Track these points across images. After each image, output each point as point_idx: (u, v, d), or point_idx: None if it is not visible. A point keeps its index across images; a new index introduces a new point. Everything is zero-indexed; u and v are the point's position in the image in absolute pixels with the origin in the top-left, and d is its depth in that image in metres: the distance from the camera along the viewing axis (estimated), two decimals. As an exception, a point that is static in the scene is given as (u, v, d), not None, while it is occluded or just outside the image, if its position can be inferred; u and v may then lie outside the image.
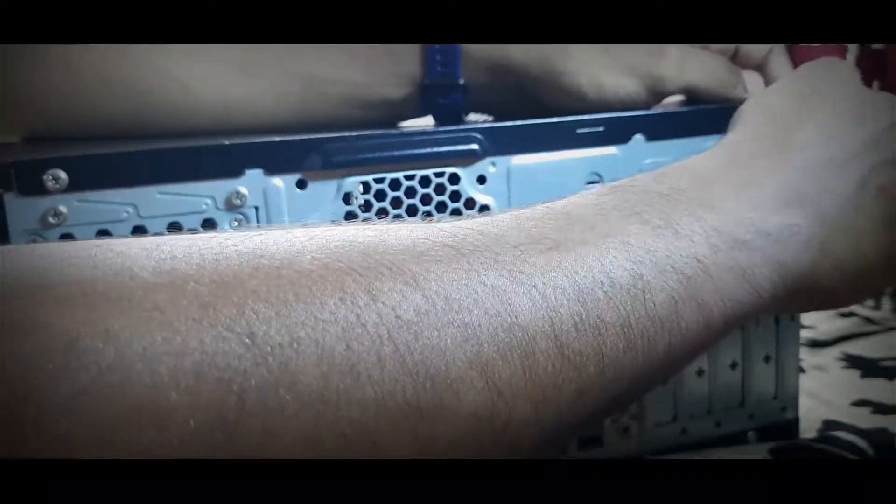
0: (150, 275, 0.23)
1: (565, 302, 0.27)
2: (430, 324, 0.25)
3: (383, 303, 0.25)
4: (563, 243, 0.29)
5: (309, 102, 0.44)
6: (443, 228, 0.29)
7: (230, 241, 0.26)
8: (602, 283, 0.28)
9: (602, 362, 0.28)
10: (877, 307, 0.78)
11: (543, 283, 0.27)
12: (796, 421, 0.50)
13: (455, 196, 0.40)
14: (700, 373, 0.47)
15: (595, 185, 0.42)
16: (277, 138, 0.38)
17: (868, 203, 0.35)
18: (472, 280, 0.27)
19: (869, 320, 0.74)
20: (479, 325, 0.26)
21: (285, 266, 0.25)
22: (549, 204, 0.32)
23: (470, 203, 0.40)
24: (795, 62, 0.51)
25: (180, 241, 0.25)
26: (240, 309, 0.23)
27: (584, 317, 0.28)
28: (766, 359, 0.48)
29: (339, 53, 0.44)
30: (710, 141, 0.43)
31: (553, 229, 0.30)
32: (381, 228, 0.28)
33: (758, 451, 0.47)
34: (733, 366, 0.47)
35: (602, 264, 0.29)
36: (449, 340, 0.25)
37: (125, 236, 0.35)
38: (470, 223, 0.30)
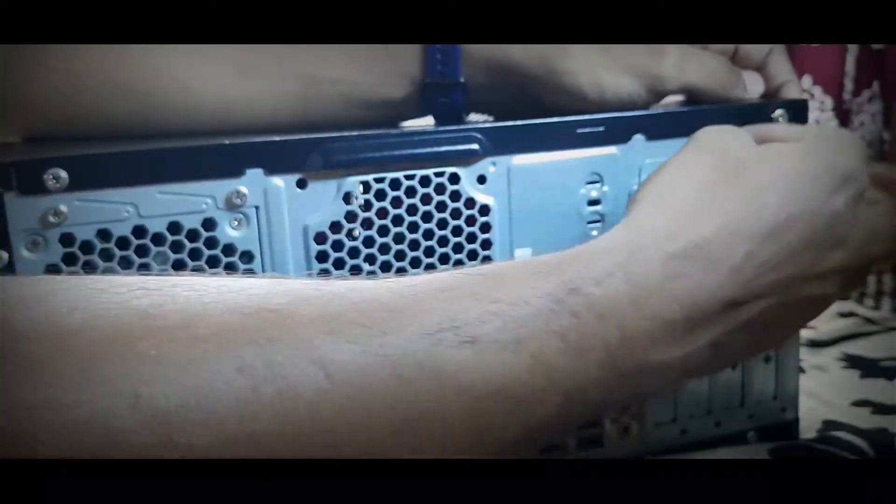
0: (28, 327, 0.23)
1: (462, 405, 0.27)
2: (331, 405, 0.25)
3: (284, 378, 0.24)
4: (479, 339, 0.28)
5: (309, 102, 0.44)
6: (354, 303, 0.28)
7: (124, 296, 0.25)
8: (498, 389, 0.28)
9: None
10: (877, 307, 0.78)
11: (452, 382, 0.27)
12: (796, 421, 0.50)
13: (455, 196, 0.40)
14: (700, 373, 0.47)
15: (595, 185, 0.42)
16: (278, 138, 0.38)
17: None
18: (379, 368, 0.26)
19: (869, 320, 0.74)
20: (379, 414, 0.26)
21: (180, 329, 0.24)
22: (492, 273, 0.31)
23: (470, 203, 0.40)
24: (794, 61, 0.51)
25: (71, 292, 0.24)
26: (127, 370, 0.22)
27: (473, 418, 0.28)
28: (767, 359, 0.48)
29: (339, 54, 0.44)
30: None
31: (477, 317, 0.29)
32: (293, 294, 0.27)
33: (758, 452, 0.47)
34: (733, 365, 0.47)
35: (502, 370, 0.28)
36: (347, 424, 0.25)
37: (125, 235, 0.35)
38: (385, 291, 0.29)
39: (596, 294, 0.31)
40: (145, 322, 0.24)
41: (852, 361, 0.64)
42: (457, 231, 0.41)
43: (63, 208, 0.35)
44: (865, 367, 0.62)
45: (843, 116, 0.85)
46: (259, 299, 0.26)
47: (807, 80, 0.84)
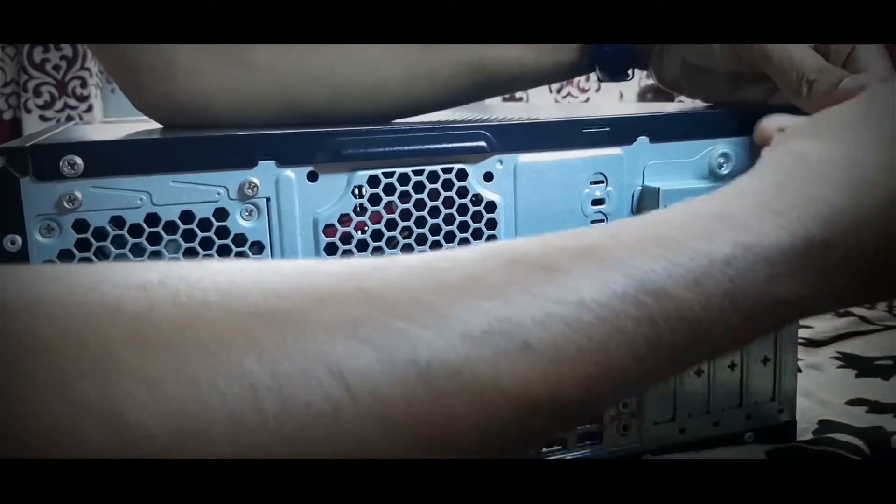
0: None
1: (505, 416, 0.24)
2: (351, 422, 0.21)
3: (291, 388, 0.20)
4: (534, 345, 0.24)
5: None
6: (380, 297, 0.23)
7: (117, 295, 0.21)
8: (551, 400, 0.24)
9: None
10: (872, 306, 0.79)
11: (494, 392, 0.23)
12: (793, 423, 0.50)
13: (462, 192, 0.41)
14: (699, 373, 0.47)
15: (599, 185, 0.43)
16: (290, 130, 0.38)
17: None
18: (408, 376, 0.22)
19: (864, 319, 0.74)
20: (408, 429, 0.22)
21: (173, 333, 0.20)
22: (552, 264, 0.26)
23: (477, 199, 0.41)
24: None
25: (54, 293, 0.21)
26: (106, 385, 0.19)
27: (516, 429, 0.24)
28: (765, 361, 0.49)
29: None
30: (712, 144, 0.44)
31: (533, 317, 0.24)
32: (314, 288, 0.23)
33: (755, 453, 0.48)
34: (732, 367, 0.48)
35: (557, 383, 0.24)
36: (371, 445, 0.22)
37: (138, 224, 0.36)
38: (418, 279, 0.24)
39: (690, 302, 0.25)
40: (135, 327, 0.20)
41: (848, 360, 0.65)
42: (463, 227, 0.41)
43: (78, 194, 0.35)
44: (861, 365, 0.63)
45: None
46: (273, 296, 0.22)
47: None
